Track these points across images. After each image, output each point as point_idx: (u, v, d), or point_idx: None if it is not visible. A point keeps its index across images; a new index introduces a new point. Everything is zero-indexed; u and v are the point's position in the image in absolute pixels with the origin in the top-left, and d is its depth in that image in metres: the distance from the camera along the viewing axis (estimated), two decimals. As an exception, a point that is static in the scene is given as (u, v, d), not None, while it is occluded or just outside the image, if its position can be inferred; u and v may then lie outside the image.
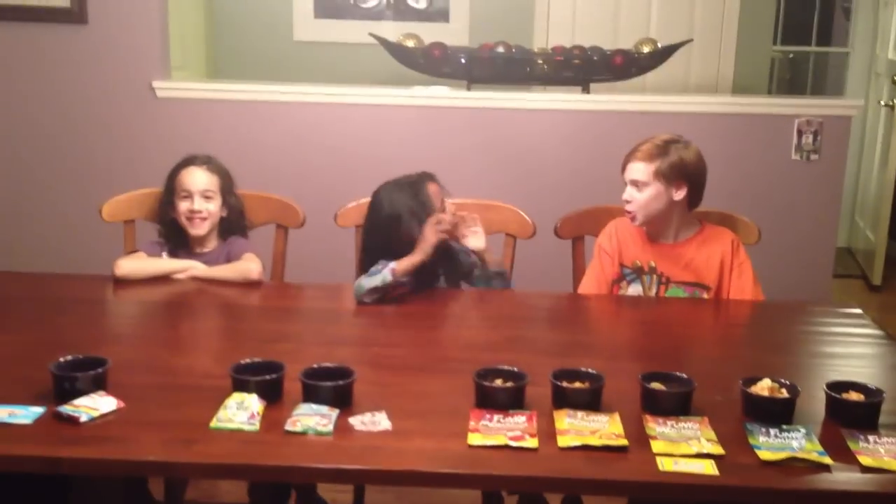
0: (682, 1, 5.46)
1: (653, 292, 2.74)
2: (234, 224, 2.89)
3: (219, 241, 2.87)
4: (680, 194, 2.68)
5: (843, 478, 1.65)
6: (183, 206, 2.80)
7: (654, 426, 1.77)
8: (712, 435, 1.74)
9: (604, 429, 1.75)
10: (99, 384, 1.86)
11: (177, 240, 2.85)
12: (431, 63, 4.22)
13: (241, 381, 1.85)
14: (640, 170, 2.68)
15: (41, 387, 1.85)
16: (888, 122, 5.67)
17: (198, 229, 2.81)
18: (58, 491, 2.16)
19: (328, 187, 3.71)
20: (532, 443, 1.71)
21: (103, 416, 1.78)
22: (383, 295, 2.54)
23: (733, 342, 2.54)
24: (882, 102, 5.80)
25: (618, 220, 2.82)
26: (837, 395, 1.85)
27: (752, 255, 2.81)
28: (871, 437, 1.74)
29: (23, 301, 2.56)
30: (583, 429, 1.75)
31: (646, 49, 4.24)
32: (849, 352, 2.40)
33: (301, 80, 4.81)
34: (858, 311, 2.65)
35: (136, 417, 1.80)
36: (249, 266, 2.72)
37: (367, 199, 2.96)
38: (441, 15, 5.61)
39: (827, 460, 1.67)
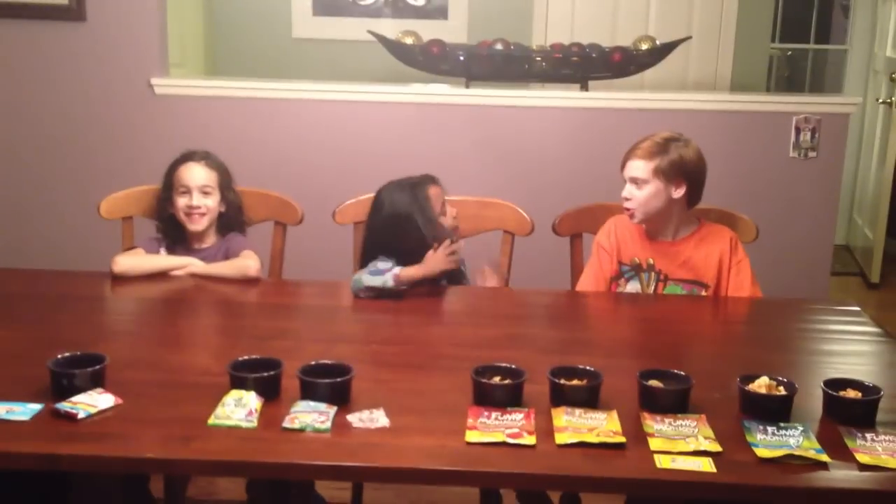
0: (680, -2, 5.47)
1: (651, 290, 2.74)
2: (232, 220, 2.89)
3: (217, 238, 2.87)
4: (679, 192, 2.68)
5: (840, 475, 1.65)
6: (181, 201, 2.80)
7: (652, 423, 1.77)
8: (710, 432, 1.74)
9: (601, 426, 1.75)
10: (97, 381, 1.86)
11: (175, 236, 2.85)
12: (430, 60, 4.22)
13: (239, 378, 1.85)
14: (639, 167, 2.68)
15: (39, 383, 1.85)
16: (886, 120, 5.67)
17: (196, 225, 2.81)
18: (58, 489, 2.16)
19: (326, 184, 3.71)
20: (530, 440, 1.71)
21: (101, 412, 1.78)
22: (378, 294, 2.56)
23: (731, 340, 2.54)
24: (880, 100, 5.81)
25: (616, 218, 2.82)
26: (835, 393, 1.85)
27: (751, 252, 2.81)
28: (868, 435, 1.74)
29: (21, 298, 2.56)
30: (580, 426, 1.75)
31: (644, 46, 4.23)
32: (846, 349, 2.40)
33: (300, 78, 4.81)
34: (856, 308, 2.65)
35: (133, 414, 1.80)
36: (247, 263, 2.72)
37: (365, 197, 2.96)
38: (440, 12, 5.61)
39: (824, 458, 1.67)
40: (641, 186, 2.68)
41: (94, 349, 1.95)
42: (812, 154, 4.06)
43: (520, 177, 4.07)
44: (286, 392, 1.86)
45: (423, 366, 2.18)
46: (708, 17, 5.45)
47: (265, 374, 1.87)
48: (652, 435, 1.74)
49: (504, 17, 5.49)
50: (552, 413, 1.80)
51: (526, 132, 4.12)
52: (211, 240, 2.86)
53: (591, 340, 2.48)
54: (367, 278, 2.57)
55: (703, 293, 2.71)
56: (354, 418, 1.78)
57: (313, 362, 1.91)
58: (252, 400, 1.79)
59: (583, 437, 1.71)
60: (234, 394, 1.81)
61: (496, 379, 1.88)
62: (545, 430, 1.75)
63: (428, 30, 4.46)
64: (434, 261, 2.62)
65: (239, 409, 1.77)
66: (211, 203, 2.82)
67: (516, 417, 1.78)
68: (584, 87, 4.20)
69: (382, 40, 4.28)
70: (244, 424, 1.74)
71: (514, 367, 1.91)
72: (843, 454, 1.69)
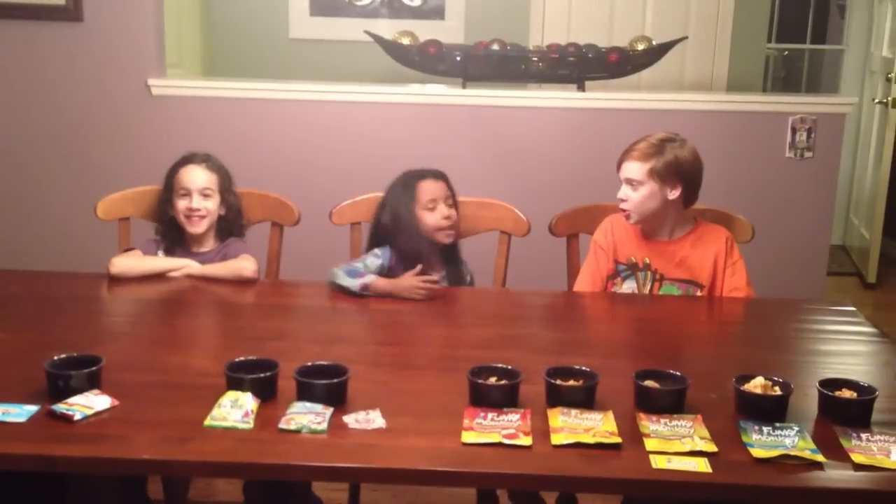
0: (677, -2, 5.48)
1: (647, 289, 2.74)
2: (232, 222, 2.89)
3: (217, 242, 2.87)
4: (675, 193, 2.68)
5: (835, 475, 1.65)
6: (181, 204, 2.80)
7: (648, 424, 1.77)
8: (705, 433, 1.75)
9: (597, 426, 1.75)
10: (93, 382, 1.86)
11: (175, 238, 2.85)
12: (427, 61, 4.22)
13: (236, 379, 1.85)
14: (634, 169, 2.68)
15: (35, 385, 1.85)
16: (883, 120, 5.68)
17: (196, 227, 2.81)
18: (55, 491, 2.16)
19: (323, 185, 3.71)
20: (526, 441, 1.71)
21: (97, 414, 1.78)
22: (346, 293, 2.61)
23: (727, 340, 2.54)
24: (876, 100, 5.81)
25: (613, 217, 2.82)
26: (830, 393, 1.86)
27: (747, 252, 2.82)
28: (863, 435, 1.75)
29: (17, 299, 2.56)
30: (576, 426, 1.75)
31: (641, 47, 4.24)
32: (842, 349, 2.40)
33: (297, 78, 4.82)
34: (852, 308, 2.66)
35: (130, 415, 1.80)
36: (244, 264, 2.72)
37: (362, 197, 2.98)
38: (436, 12, 5.61)
39: (820, 458, 1.67)
40: (637, 188, 2.68)
41: (91, 350, 1.95)
42: (808, 154, 4.07)
43: (517, 177, 4.07)
44: (282, 393, 1.86)
45: (420, 367, 2.18)
46: (704, 18, 5.45)
47: (261, 375, 1.87)
48: (648, 435, 1.74)
49: (501, 18, 5.50)
50: (548, 414, 1.81)
51: (523, 133, 4.12)
52: (210, 244, 2.86)
53: (587, 341, 2.48)
54: (341, 276, 2.62)
55: (699, 293, 2.72)
56: (351, 419, 1.78)
57: (309, 363, 1.91)
58: (248, 401, 1.79)
59: (579, 438, 1.71)
60: (231, 395, 1.81)
61: (492, 380, 1.88)
62: (541, 430, 1.75)
63: (425, 30, 4.47)
64: (404, 285, 2.61)
65: (235, 410, 1.77)
66: (211, 206, 2.82)
67: (512, 418, 1.78)
68: (581, 88, 4.21)
69: (379, 41, 4.28)
70: (240, 426, 1.74)
71: (510, 367, 1.91)
72: (839, 454, 1.70)
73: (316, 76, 5.09)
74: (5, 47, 4.05)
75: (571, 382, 1.88)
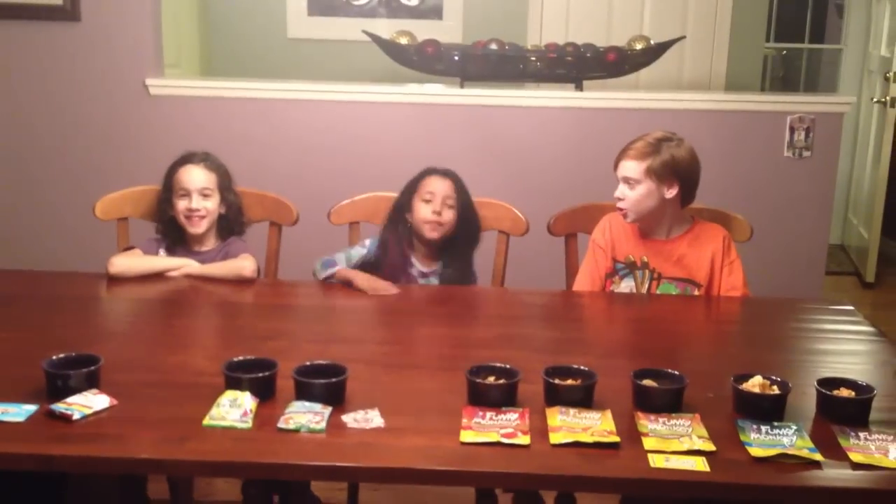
0: (675, -2, 5.48)
1: (645, 288, 2.75)
2: (232, 221, 2.89)
3: (217, 241, 2.87)
4: (672, 192, 2.69)
5: (833, 474, 1.66)
6: (181, 204, 2.80)
7: (646, 423, 1.78)
8: (704, 432, 1.75)
9: (596, 426, 1.75)
10: (92, 382, 1.86)
11: (175, 237, 2.85)
12: (425, 60, 4.22)
13: (234, 378, 1.85)
14: (631, 168, 2.68)
15: (34, 384, 1.85)
16: (881, 119, 5.68)
17: (196, 227, 2.81)
18: (54, 490, 2.16)
19: (322, 185, 3.71)
20: (524, 440, 1.71)
21: (96, 413, 1.78)
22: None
23: (725, 339, 2.55)
24: (875, 99, 5.81)
25: (611, 215, 2.83)
26: (828, 392, 1.86)
27: (745, 252, 2.82)
28: (861, 434, 1.75)
29: (16, 298, 2.56)
30: (575, 426, 1.75)
31: (639, 46, 4.24)
32: (840, 349, 2.41)
33: (295, 78, 4.81)
34: (850, 307, 2.66)
35: (128, 415, 1.80)
36: (243, 264, 2.72)
37: (360, 197, 2.98)
38: (434, 12, 5.61)
39: (818, 457, 1.67)
40: (633, 187, 2.68)
41: (90, 350, 1.95)
42: (806, 153, 4.07)
43: (515, 177, 4.07)
44: (281, 392, 1.86)
45: (418, 366, 2.18)
46: (702, 17, 5.46)
47: (260, 374, 1.87)
48: (646, 434, 1.74)
49: (499, 17, 5.49)
50: (547, 413, 1.81)
51: (521, 132, 4.12)
52: (211, 243, 2.86)
53: (585, 340, 2.49)
54: (318, 266, 2.75)
55: (696, 292, 2.72)
56: (349, 418, 1.78)
57: (308, 363, 1.91)
58: (247, 400, 1.79)
59: (577, 437, 1.71)
60: (229, 394, 1.81)
61: (491, 379, 1.88)
62: (540, 429, 1.75)
63: (423, 30, 4.47)
64: (371, 282, 2.66)
65: (234, 409, 1.77)
66: (210, 205, 2.82)
67: (511, 417, 1.78)
68: (579, 87, 4.21)
69: (377, 40, 4.28)
70: (239, 425, 1.75)
71: (508, 366, 1.92)
72: (837, 453, 1.70)
73: (314, 76, 5.09)
74: (3, 48, 4.04)
75: (570, 382, 1.88)
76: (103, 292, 2.65)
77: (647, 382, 1.88)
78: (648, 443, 1.71)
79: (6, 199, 4.16)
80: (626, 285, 2.77)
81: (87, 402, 1.79)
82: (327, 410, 1.79)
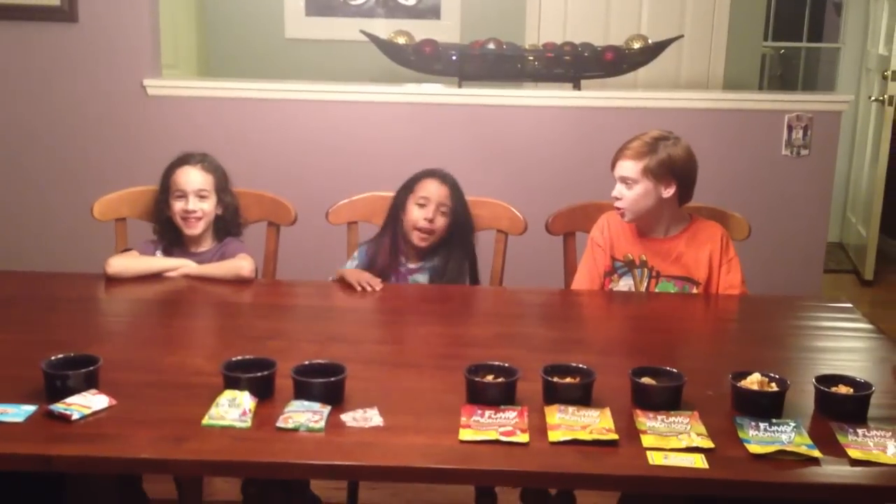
0: (672, -3, 5.49)
1: (643, 286, 2.75)
2: (229, 222, 2.89)
3: (214, 242, 2.87)
4: (669, 191, 2.69)
5: (831, 471, 1.66)
6: (177, 205, 2.80)
7: (645, 421, 1.78)
8: (702, 429, 1.75)
9: (594, 424, 1.75)
10: (91, 382, 1.86)
11: (172, 238, 2.85)
12: (422, 60, 4.23)
13: (233, 378, 1.85)
14: (629, 167, 2.68)
15: (33, 385, 1.85)
16: (879, 117, 5.69)
17: (192, 229, 2.81)
18: (53, 490, 2.16)
19: (320, 185, 3.71)
20: (523, 438, 1.72)
21: (95, 413, 1.78)
22: None
23: (724, 337, 2.55)
24: (873, 97, 5.82)
25: (609, 214, 2.83)
26: (826, 389, 1.86)
27: (743, 250, 2.82)
28: (859, 431, 1.75)
29: (14, 299, 2.56)
30: (573, 424, 1.75)
31: (636, 45, 4.24)
32: (839, 346, 2.41)
33: (293, 78, 4.81)
34: (848, 305, 2.66)
35: (127, 415, 1.80)
36: (241, 264, 2.72)
37: (359, 197, 2.98)
38: (432, 12, 5.61)
39: (816, 453, 1.68)
40: (631, 186, 2.68)
41: (88, 350, 1.95)
42: (804, 152, 4.07)
43: (513, 176, 4.08)
44: (280, 392, 1.86)
45: (417, 365, 2.18)
46: (700, 16, 5.46)
47: (259, 374, 1.87)
48: (644, 432, 1.74)
49: (496, 17, 5.50)
50: (545, 411, 1.81)
51: (519, 131, 4.12)
52: (208, 244, 2.86)
53: (583, 339, 2.49)
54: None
55: (695, 290, 2.72)
56: (348, 417, 1.78)
57: (307, 362, 1.91)
58: (246, 400, 1.79)
59: (576, 435, 1.71)
60: (228, 394, 1.81)
61: (489, 377, 1.89)
62: (538, 427, 1.75)
63: (420, 29, 4.47)
64: (356, 275, 2.69)
65: (233, 409, 1.77)
66: (207, 207, 2.82)
67: (510, 415, 1.79)
68: (577, 87, 4.21)
69: (375, 40, 4.29)
70: (238, 424, 1.75)
71: (507, 365, 1.92)
72: (835, 450, 1.70)
73: (312, 76, 5.09)
74: (0, 49, 4.04)
75: (568, 380, 1.88)
76: (101, 293, 2.65)
77: (646, 380, 1.88)
78: (647, 440, 1.71)
79: (4, 200, 4.16)
80: (624, 284, 2.77)
81: (85, 403, 1.79)
82: (326, 409, 1.79)
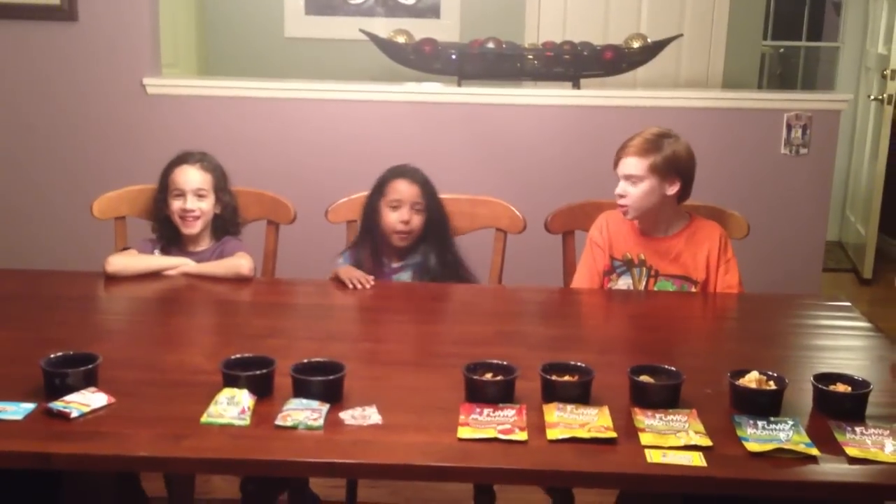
0: (672, -4, 5.49)
1: (642, 285, 2.75)
2: (228, 221, 2.89)
3: (212, 241, 2.87)
4: (673, 189, 2.69)
5: (829, 469, 1.66)
6: (176, 204, 2.80)
7: (643, 419, 1.78)
8: (700, 427, 1.75)
9: (593, 422, 1.76)
10: (90, 380, 1.86)
11: (170, 237, 2.85)
12: (422, 59, 4.23)
13: (232, 376, 1.85)
14: (634, 164, 2.68)
15: (32, 383, 1.86)
16: (878, 116, 5.69)
17: (190, 228, 2.81)
18: (50, 488, 2.16)
19: (319, 183, 3.71)
20: (522, 436, 1.72)
21: (94, 411, 1.78)
22: None
23: (722, 335, 2.55)
24: (872, 96, 5.82)
25: (608, 213, 2.83)
26: (825, 387, 1.86)
27: (742, 249, 2.82)
28: (857, 429, 1.75)
29: (14, 298, 2.56)
30: (572, 422, 1.75)
31: (636, 44, 4.24)
32: (837, 344, 2.41)
33: (292, 77, 4.82)
34: (847, 303, 2.66)
35: (126, 413, 1.80)
36: (240, 262, 2.72)
37: (358, 195, 2.98)
38: (432, 11, 5.61)
39: (814, 452, 1.68)
40: (636, 183, 2.68)
41: (87, 348, 1.95)
42: (803, 151, 4.07)
43: (512, 175, 4.08)
44: (279, 390, 1.86)
45: (416, 363, 2.18)
46: (699, 15, 5.47)
47: (258, 372, 1.87)
48: (643, 430, 1.74)
49: (496, 16, 5.50)
50: (544, 409, 1.81)
51: (518, 130, 4.13)
52: (206, 243, 2.86)
53: (582, 337, 2.49)
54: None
55: (693, 289, 2.72)
56: (347, 415, 1.78)
57: (306, 360, 1.91)
58: (245, 398, 1.80)
59: (574, 433, 1.72)
60: (227, 392, 1.81)
61: (488, 375, 1.89)
62: (537, 425, 1.75)
63: (420, 28, 4.47)
64: (349, 272, 2.70)
65: (232, 407, 1.77)
66: (205, 206, 2.82)
67: (508, 413, 1.79)
68: (576, 86, 4.21)
69: (375, 39, 4.29)
70: (237, 422, 1.75)
71: (505, 363, 1.92)
72: (833, 448, 1.70)
73: (311, 75, 5.09)
74: (0, 48, 4.04)
75: (567, 378, 1.88)
76: (101, 291, 2.65)
77: (644, 378, 1.88)
78: (645, 438, 1.72)
79: (4, 199, 4.16)
80: (623, 283, 2.78)
81: (84, 401, 1.79)
82: (325, 407, 1.79)
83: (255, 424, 1.75)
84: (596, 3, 5.46)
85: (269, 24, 5.65)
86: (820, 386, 1.86)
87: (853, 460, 1.67)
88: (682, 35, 4.68)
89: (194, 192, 2.80)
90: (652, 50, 4.30)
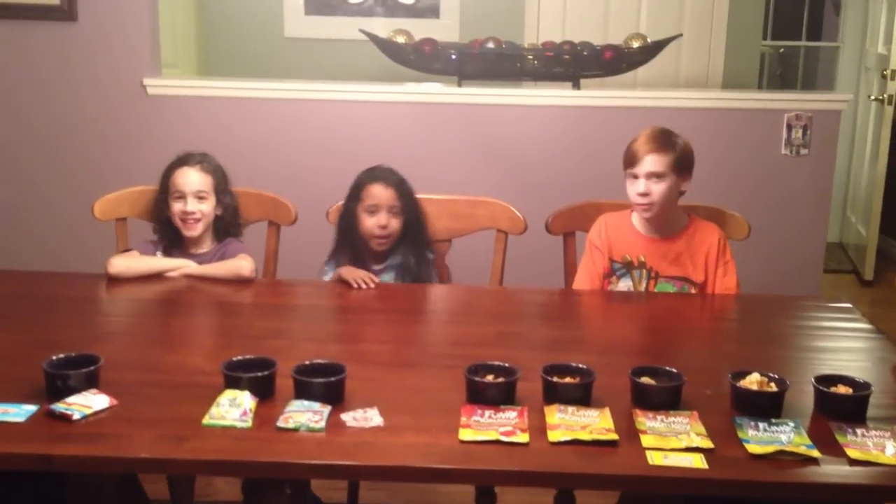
0: (672, -4, 5.49)
1: (642, 287, 2.75)
2: (229, 223, 2.88)
3: (214, 243, 2.86)
4: (687, 185, 2.70)
5: (831, 471, 1.66)
6: (176, 206, 2.80)
7: (644, 420, 1.78)
8: (701, 429, 1.75)
9: (594, 423, 1.76)
10: (91, 382, 1.86)
11: (172, 239, 2.85)
12: (422, 59, 4.23)
13: (234, 377, 1.85)
14: (659, 161, 2.66)
15: (34, 385, 1.86)
16: (878, 116, 5.69)
17: (191, 230, 2.81)
18: (53, 489, 2.16)
19: (320, 184, 3.70)
20: (523, 438, 1.72)
21: (96, 413, 1.78)
22: None
23: (723, 337, 2.55)
24: (872, 96, 5.82)
25: (607, 216, 2.83)
26: (826, 389, 1.86)
27: (743, 249, 2.82)
28: (859, 431, 1.75)
29: (15, 299, 2.56)
30: (573, 424, 1.75)
31: (636, 44, 4.25)
32: (838, 346, 2.42)
33: (292, 77, 4.82)
34: (848, 305, 2.66)
35: (128, 415, 1.80)
36: (241, 264, 2.72)
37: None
38: (431, 11, 5.61)
39: (815, 453, 1.68)
40: (660, 180, 2.67)
41: (89, 350, 1.95)
42: (804, 151, 4.07)
43: (512, 175, 4.08)
44: (280, 392, 1.87)
45: (417, 364, 2.18)
46: (699, 15, 5.47)
47: (259, 373, 1.87)
48: (644, 432, 1.74)
49: (496, 16, 5.50)
50: (545, 411, 1.81)
51: (518, 131, 4.13)
52: (207, 244, 2.86)
53: (583, 338, 2.49)
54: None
55: (693, 290, 2.72)
56: (348, 417, 1.78)
57: (307, 362, 1.91)
58: (246, 400, 1.80)
59: (576, 435, 1.72)
60: (229, 394, 1.81)
61: (489, 377, 1.89)
62: (538, 427, 1.75)
63: (420, 28, 4.47)
64: (351, 272, 2.70)
65: (233, 408, 1.78)
66: (206, 208, 2.81)
67: (510, 415, 1.79)
68: (576, 86, 4.21)
69: (374, 39, 4.29)
70: (238, 424, 1.75)
71: (507, 365, 1.92)
72: (834, 449, 1.70)
73: (311, 75, 5.09)
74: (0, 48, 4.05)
75: (568, 379, 1.88)
76: (102, 293, 2.65)
77: (645, 380, 1.89)
78: (647, 440, 1.72)
79: (4, 200, 4.16)
80: (623, 285, 2.77)
81: (86, 402, 1.79)
82: (326, 409, 1.79)
83: (256, 426, 1.75)
84: (596, 3, 5.47)
85: (268, 25, 5.65)
86: (821, 387, 1.87)
87: (854, 462, 1.67)
88: (681, 35, 4.68)
89: (195, 194, 2.80)
90: (652, 50, 4.30)
